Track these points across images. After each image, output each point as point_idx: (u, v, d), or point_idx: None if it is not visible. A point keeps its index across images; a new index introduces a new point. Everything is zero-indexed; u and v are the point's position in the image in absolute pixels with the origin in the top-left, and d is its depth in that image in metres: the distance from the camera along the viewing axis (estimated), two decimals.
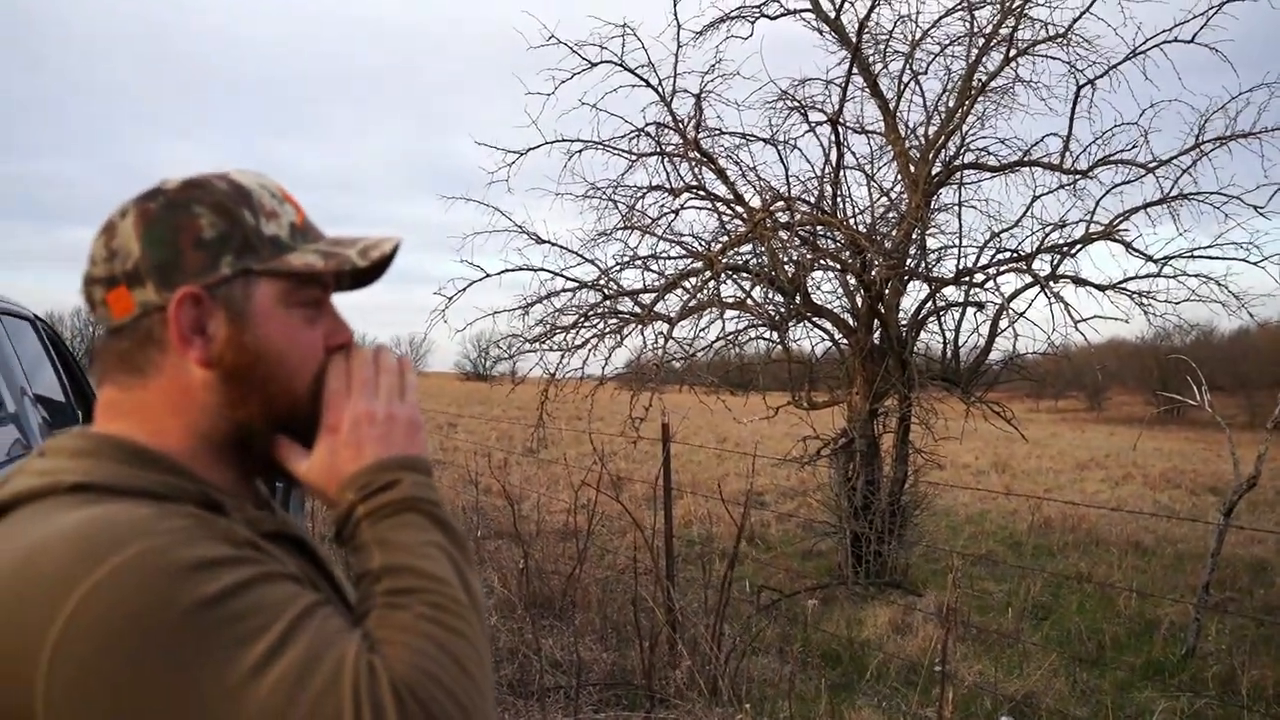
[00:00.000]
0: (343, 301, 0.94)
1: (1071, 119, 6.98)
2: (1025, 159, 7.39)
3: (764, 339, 8.11)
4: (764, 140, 7.66)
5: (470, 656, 0.74)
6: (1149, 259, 7.06)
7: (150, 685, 0.63)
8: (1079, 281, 7.36)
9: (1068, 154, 7.10)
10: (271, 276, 0.84)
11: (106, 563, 0.65)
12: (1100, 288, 7.32)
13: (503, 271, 7.51)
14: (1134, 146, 6.92)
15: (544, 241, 7.59)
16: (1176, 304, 7.20)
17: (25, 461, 0.81)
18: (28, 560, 0.68)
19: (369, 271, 0.92)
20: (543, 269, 7.57)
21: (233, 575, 0.68)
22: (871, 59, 7.42)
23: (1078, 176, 7.14)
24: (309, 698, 0.65)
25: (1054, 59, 7.10)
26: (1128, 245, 7.02)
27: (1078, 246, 7.23)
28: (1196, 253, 6.96)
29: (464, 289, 7.51)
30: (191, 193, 0.83)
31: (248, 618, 0.67)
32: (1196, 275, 6.99)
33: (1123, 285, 7.30)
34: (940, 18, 7.34)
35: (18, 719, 0.65)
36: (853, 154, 7.88)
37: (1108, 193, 7.09)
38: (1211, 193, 6.73)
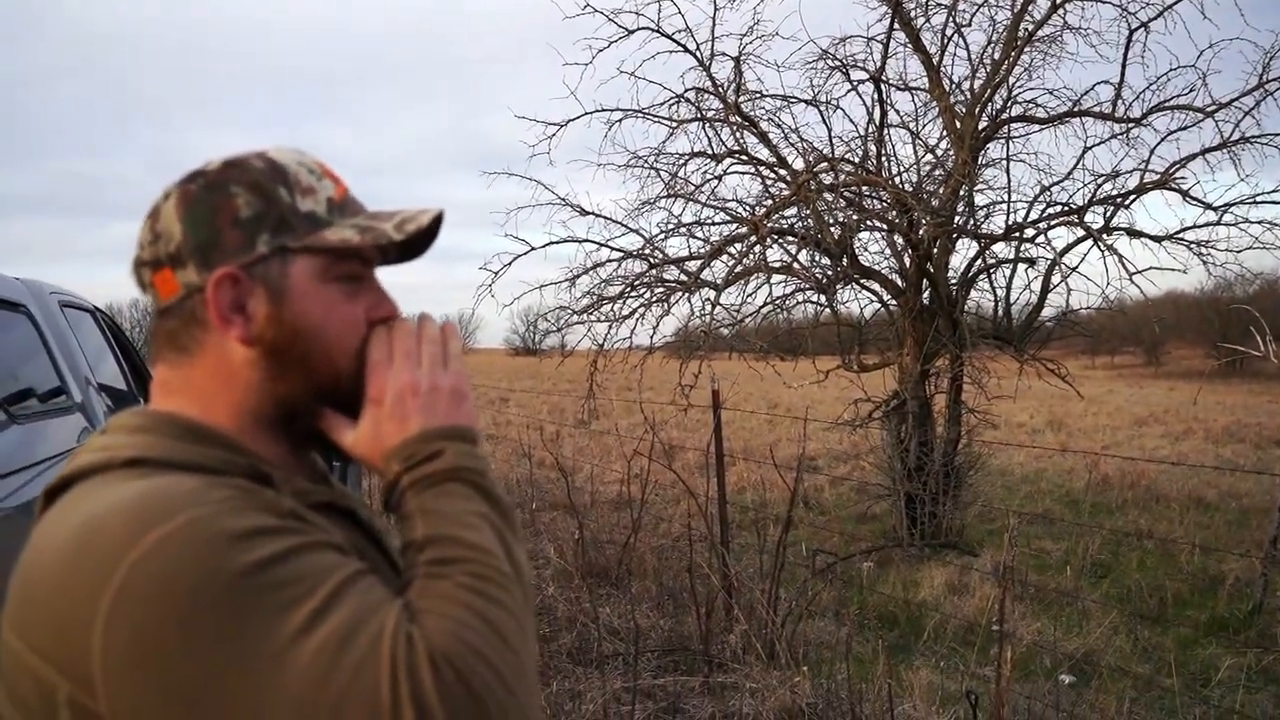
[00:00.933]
0: (389, 281, 0.94)
1: (1124, 65, 6.77)
2: (1075, 109, 7.20)
3: (812, 303, 8.04)
4: (805, 101, 7.56)
5: (511, 627, 0.73)
6: (1208, 207, 6.85)
7: (197, 650, 0.65)
8: (1134, 233, 7.18)
9: (1120, 102, 6.91)
10: (308, 253, 0.85)
11: (154, 532, 0.68)
12: (1156, 239, 7.14)
13: (547, 244, 7.53)
14: (1191, 90, 6.69)
15: (587, 213, 7.59)
16: (1238, 253, 7.00)
17: (89, 439, 0.84)
18: (82, 532, 0.70)
19: (413, 245, 0.93)
20: (587, 240, 7.58)
21: (276, 544, 0.70)
22: (913, 13, 7.26)
23: (1131, 125, 6.95)
24: (349, 665, 0.66)
25: (1104, 2, 6.88)
26: (1185, 194, 6.82)
27: (1132, 197, 7.04)
28: (1260, 198, 6.75)
29: (510, 263, 7.55)
30: (229, 173, 0.85)
31: (290, 585, 0.68)
32: (1259, 222, 6.78)
33: (1180, 235, 7.11)
34: None
35: (81, 684, 0.68)
36: (896, 112, 7.77)
37: (1163, 140, 6.89)
38: (1276, 134, 6.51)
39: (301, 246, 0.85)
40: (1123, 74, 6.81)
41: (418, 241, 0.93)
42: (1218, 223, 6.89)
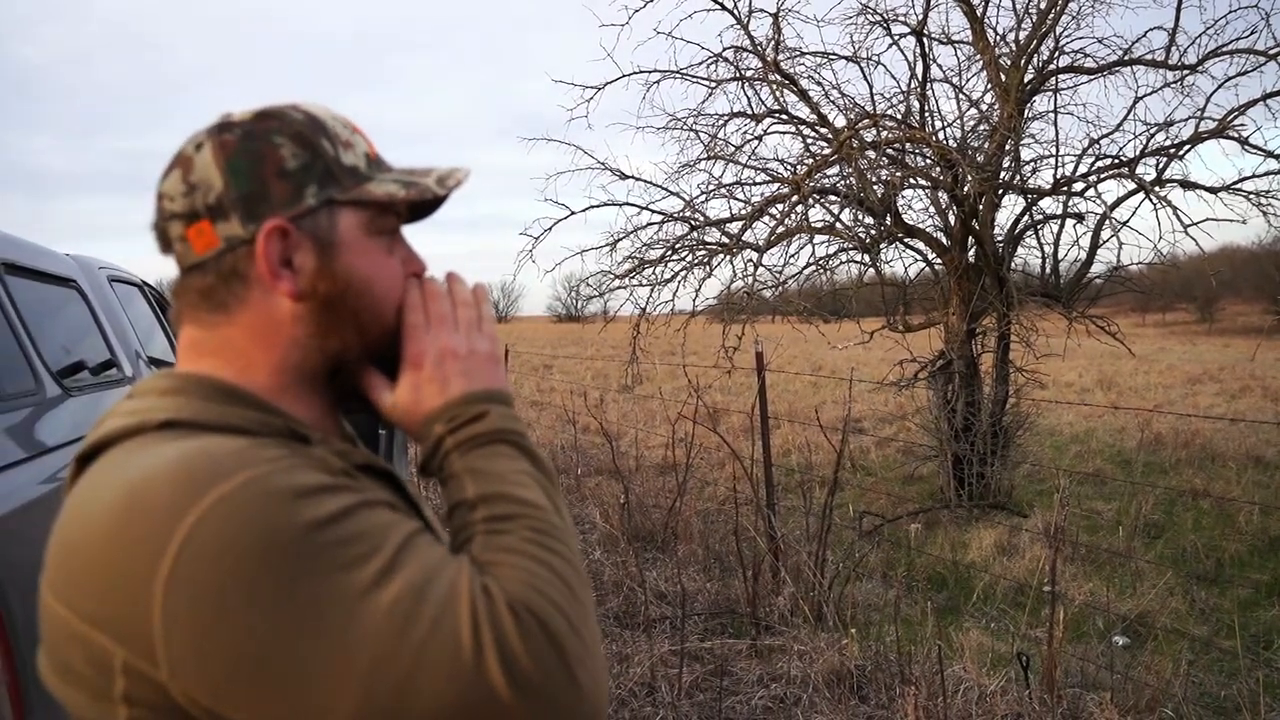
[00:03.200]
0: (429, 251, 0.94)
1: (1178, 9, 6.52)
2: (1126, 58, 6.97)
3: (855, 262, 7.93)
4: (846, 58, 7.41)
5: (574, 577, 0.75)
6: (1269, 155, 6.61)
7: (265, 609, 0.64)
8: (1188, 185, 6.96)
9: (1174, 48, 6.67)
10: (354, 206, 0.84)
11: (212, 492, 0.66)
12: (1212, 190, 6.91)
13: (587, 209, 7.49)
14: (1252, 32, 6.43)
15: (627, 177, 7.54)
16: None
17: (116, 404, 0.82)
18: (131, 495, 0.68)
19: (422, 207, 0.92)
20: (628, 204, 7.53)
21: (337, 501, 0.69)
22: None
23: (1186, 72, 6.70)
24: (426, 617, 0.66)
25: None
26: (1244, 142, 6.58)
27: (1186, 147, 6.82)
28: None
29: (550, 228, 7.53)
30: (269, 123, 0.83)
31: (355, 542, 0.68)
32: None
33: (1238, 186, 6.88)
34: None
35: (139, 650, 0.67)
36: (939, 66, 7.58)
37: (1220, 86, 6.63)
38: None
39: (349, 199, 0.83)
40: (1177, 18, 6.56)
41: (431, 203, 0.92)
42: (1279, 172, 6.66)
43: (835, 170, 7.26)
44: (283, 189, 0.81)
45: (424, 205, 0.92)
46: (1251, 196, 6.86)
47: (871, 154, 6.90)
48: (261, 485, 0.68)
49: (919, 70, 7.21)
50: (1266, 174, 6.73)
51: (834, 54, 7.41)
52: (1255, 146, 6.60)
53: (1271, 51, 6.34)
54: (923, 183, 7.39)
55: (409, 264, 0.90)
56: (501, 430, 0.84)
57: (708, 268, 7.41)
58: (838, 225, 7.38)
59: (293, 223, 0.81)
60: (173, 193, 0.82)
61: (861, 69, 7.44)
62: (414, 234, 0.94)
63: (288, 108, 0.85)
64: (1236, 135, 6.55)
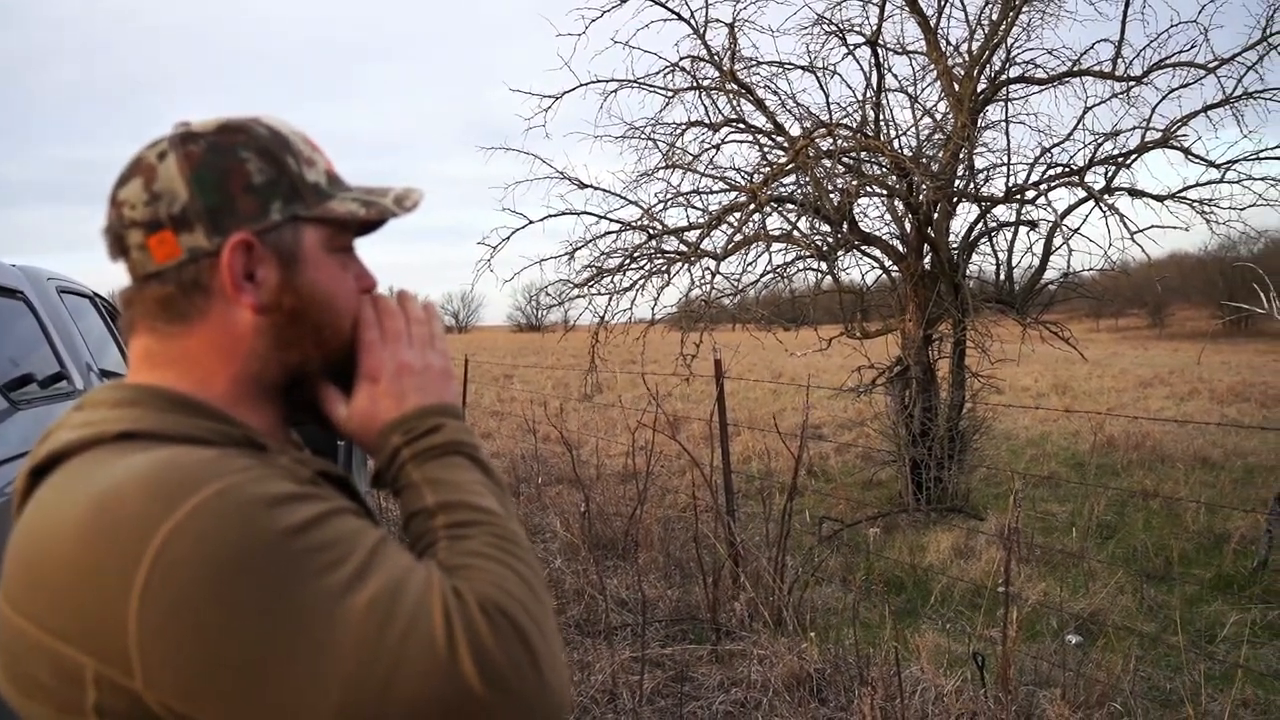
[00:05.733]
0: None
1: (1124, 23, 6.70)
2: (1075, 69, 7.13)
3: (813, 270, 8.02)
4: (802, 68, 7.49)
5: (537, 582, 0.77)
6: (1210, 164, 6.79)
7: (245, 616, 0.65)
8: (1135, 193, 7.13)
9: (1120, 60, 6.84)
10: (316, 223, 0.86)
11: (186, 502, 0.67)
12: (1158, 198, 7.09)
13: (545, 217, 7.50)
14: (1193, 46, 6.62)
15: (586, 186, 7.56)
16: (1241, 210, 6.97)
17: (63, 416, 0.81)
18: (100, 506, 0.68)
19: (370, 223, 0.93)
20: (586, 212, 7.54)
21: (308, 509, 0.71)
22: None
23: (1131, 83, 6.88)
24: (402, 619, 0.68)
25: None
26: (1187, 151, 6.77)
27: (1133, 156, 6.99)
28: (1264, 154, 6.69)
29: (508, 236, 7.53)
30: (236, 137, 0.83)
31: (329, 548, 0.69)
32: (1263, 179, 6.73)
33: (1182, 194, 7.07)
34: None
35: (113, 662, 0.67)
36: (894, 76, 7.73)
37: (1164, 98, 6.83)
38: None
39: (313, 216, 0.85)
40: (1123, 31, 6.74)
41: (378, 221, 0.93)
42: (1221, 180, 6.84)
43: (792, 179, 7.33)
44: (249, 204, 0.82)
45: (374, 223, 0.93)
46: (1195, 205, 7.05)
47: (828, 162, 6.99)
48: (235, 495, 0.68)
49: (874, 80, 7.31)
50: (1209, 183, 6.92)
51: (790, 64, 7.50)
52: (1197, 156, 6.79)
53: (1211, 65, 6.53)
54: (878, 191, 7.48)
55: (361, 280, 0.91)
56: (457, 442, 0.86)
57: (666, 276, 7.45)
58: (795, 233, 7.45)
59: (258, 237, 0.82)
60: (133, 200, 0.81)
61: (818, 78, 7.53)
62: (374, 242, 0.96)
63: (251, 121, 0.85)
64: (1180, 145, 6.73)
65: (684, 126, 7.54)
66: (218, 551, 0.66)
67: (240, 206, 0.81)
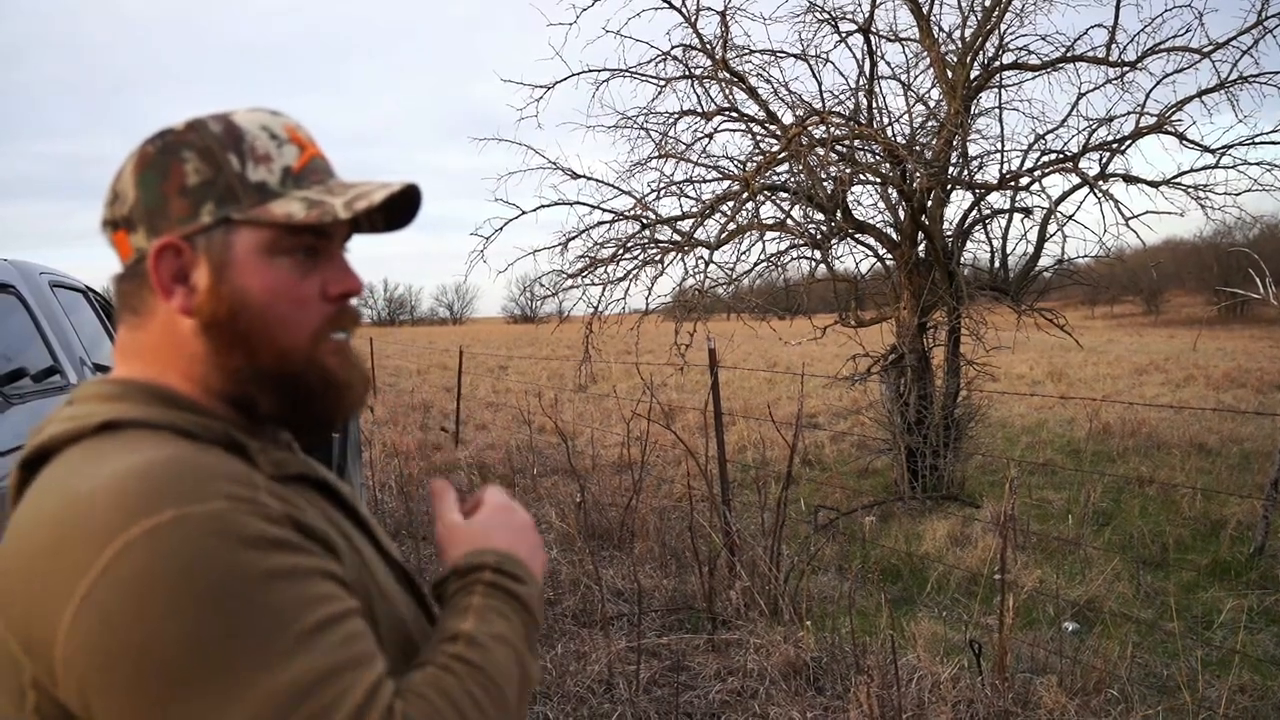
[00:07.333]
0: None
1: (1117, 7, 6.66)
2: (1068, 55, 7.10)
3: (806, 259, 7.99)
4: (794, 56, 7.46)
5: None
6: (1205, 150, 6.78)
7: (167, 650, 0.63)
8: (1130, 179, 7.11)
9: (1114, 45, 6.81)
10: (253, 225, 0.82)
11: (147, 519, 0.65)
12: (1153, 184, 7.07)
13: (538, 208, 7.46)
14: (1187, 31, 6.60)
15: (578, 176, 7.52)
16: (1236, 196, 6.95)
17: (56, 410, 0.82)
18: (66, 511, 0.68)
19: (396, 216, 0.91)
20: (579, 203, 7.51)
21: (272, 560, 0.68)
22: None
23: (1125, 69, 6.85)
24: (317, 707, 0.65)
25: None
26: (1181, 137, 6.75)
27: (1127, 142, 6.97)
28: (1259, 139, 6.67)
29: (501, 227, 7.49)
30: (187, 136, 0.82)
31: (277, 611, 0.67)
32: (1258, 164, 6.72)
33: (1177, 180, 7.05)
34: None
35: (43, 668, 0.66)
36: (887, 63, 7.67)
37: (1158, 83, 6.80)
38: (1276, 73, 6.41)
39: (245, 219, 0.81)
40: (1116, 16, 6.71)
41: (400, 213, 0.91)
42: (1215, 165, 6.83)
43: (785, 167, 7.30)
44: (181, 205, 0.81)
45: (396, 216, 0.91)
46: (1190, 190, 7.03)
47: (821, 150, 6.96)
48: (201, 522, 0.67)
49: (867, 67, 7.29)
50: (1204, 168, 6.90)
51: (782, 52, 7.47)
52: (1192, 141, 6.77)
53: (1205, 50, 6.50)
54: (872, 179, 7.46)
55: (337, 283, 0.86)
56: (531, 609, 0.88)
57: (660, 266, 7.42)
58: (788, 222, 7.43)
59: (187, 240, 0.80)
60: (108, 198, 0.84)
61: (810, 66, 7.50)
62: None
63: (211, 119, 0.84)
64: (1174, 130, 6.71)
65: (677, 115, 7.51)
66: (167, 574, 0.64)
67: (173, 208, 0.81)
